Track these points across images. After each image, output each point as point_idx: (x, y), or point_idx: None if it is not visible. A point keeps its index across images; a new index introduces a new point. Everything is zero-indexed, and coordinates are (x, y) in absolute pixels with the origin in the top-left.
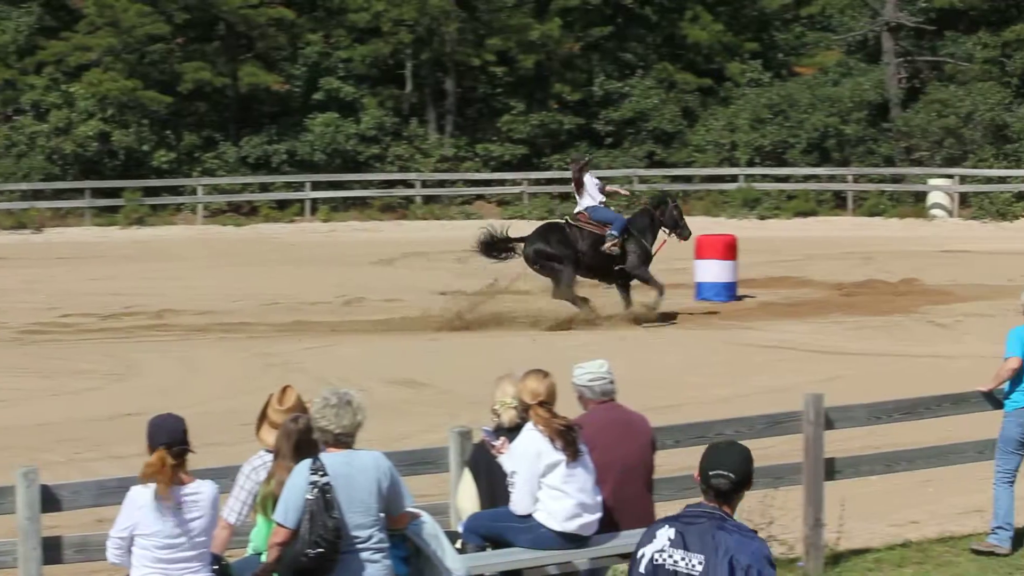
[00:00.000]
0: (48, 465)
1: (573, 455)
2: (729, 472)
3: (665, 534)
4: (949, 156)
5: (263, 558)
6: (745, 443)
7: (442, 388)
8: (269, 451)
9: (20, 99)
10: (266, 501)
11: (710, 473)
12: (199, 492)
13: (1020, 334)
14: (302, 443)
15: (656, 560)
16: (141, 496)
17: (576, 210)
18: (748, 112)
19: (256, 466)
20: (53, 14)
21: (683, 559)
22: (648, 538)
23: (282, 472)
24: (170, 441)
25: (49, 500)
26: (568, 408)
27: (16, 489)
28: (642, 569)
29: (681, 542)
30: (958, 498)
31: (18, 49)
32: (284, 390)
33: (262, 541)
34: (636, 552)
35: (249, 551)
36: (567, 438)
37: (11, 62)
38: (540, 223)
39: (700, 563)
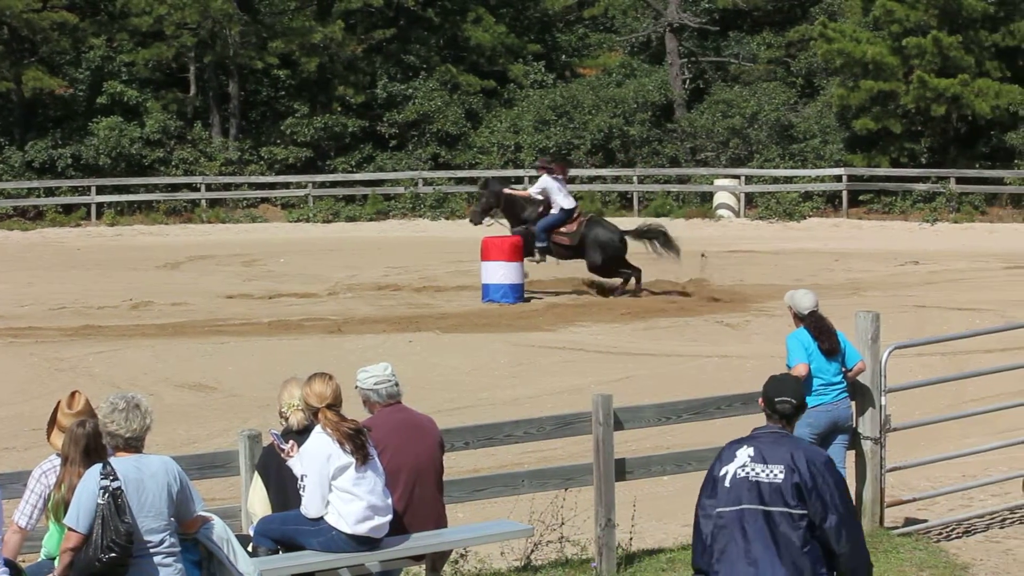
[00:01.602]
0: None
1: (363, 458)
2: (791, 398)
3: (745, 452)
4: (735, 156)
5: (56, 563)
6: (534, 444)
7: (230, 391)
8: (60, 455)
9: None
10: (57, 507)
11: (776, 400)
12: None
13: (800, 339)
14: (91, 448)
15: (739, 475)
16: None
17: (572, 207)
18: (532, 114)
19: (46, 470)
20: None
21: (764, 471)
22: (728, 458)
23: (72, 477)
24: None
25: None
26: (354, 411)
27: None
28: (727, 483)
29: (761, 457)
30: None
31: None
32: (72, 395)
33: (54, 546)
34: (716, 472)
35: (42, 556)
36: (356, 441)
37: None
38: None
39: (780, 472)
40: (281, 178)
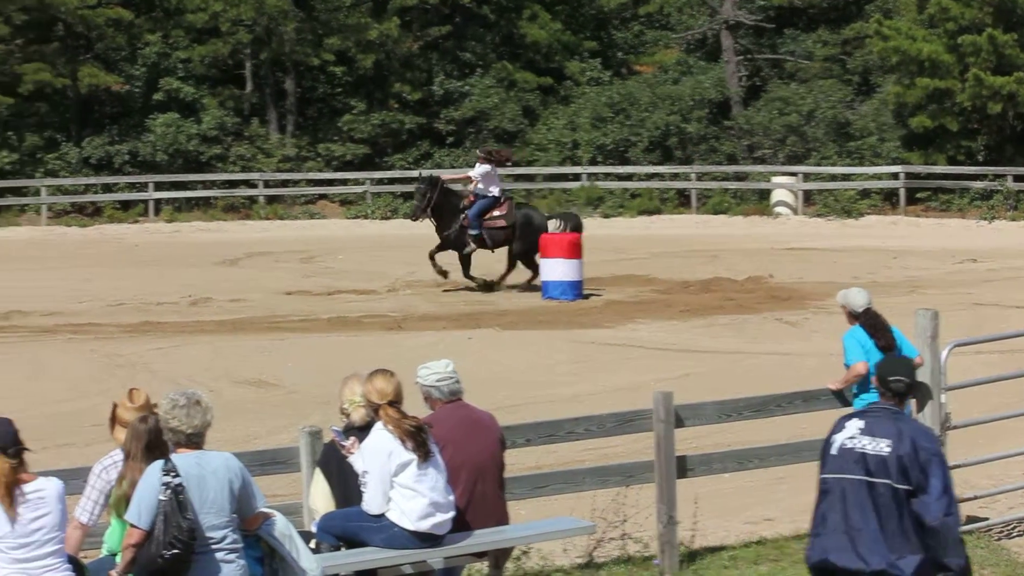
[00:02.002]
0: None
1: (424, 456)
2: (904, 377)
3: (855, 425)
4: (792, 154)
5: (118, 559)
6: (595, 441)
7: (289, 388)
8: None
9: None
10: (120, 502)
11: (889, 379)
12: (43, 489)
13: (857, 336)
14: (153, 443)
15: (846, 445)
16: None
17: (499, 195)
18: (589, 111)
19: (107, 465)
20: None
21: (871, 443)
22: (838, 428)
23: (134, 473)
24: (2, 444)
25: None
26: (414, 407)
27: None
28: (833, 451)
29: (870, 430)
30: (812, 495)
31: None
32: (131, 392)
33: (116, 542)
34: (828, 439)
35: (104, 552)
36: (417, 439)
37: None
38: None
39: (888, 446)
40: (339, 175)
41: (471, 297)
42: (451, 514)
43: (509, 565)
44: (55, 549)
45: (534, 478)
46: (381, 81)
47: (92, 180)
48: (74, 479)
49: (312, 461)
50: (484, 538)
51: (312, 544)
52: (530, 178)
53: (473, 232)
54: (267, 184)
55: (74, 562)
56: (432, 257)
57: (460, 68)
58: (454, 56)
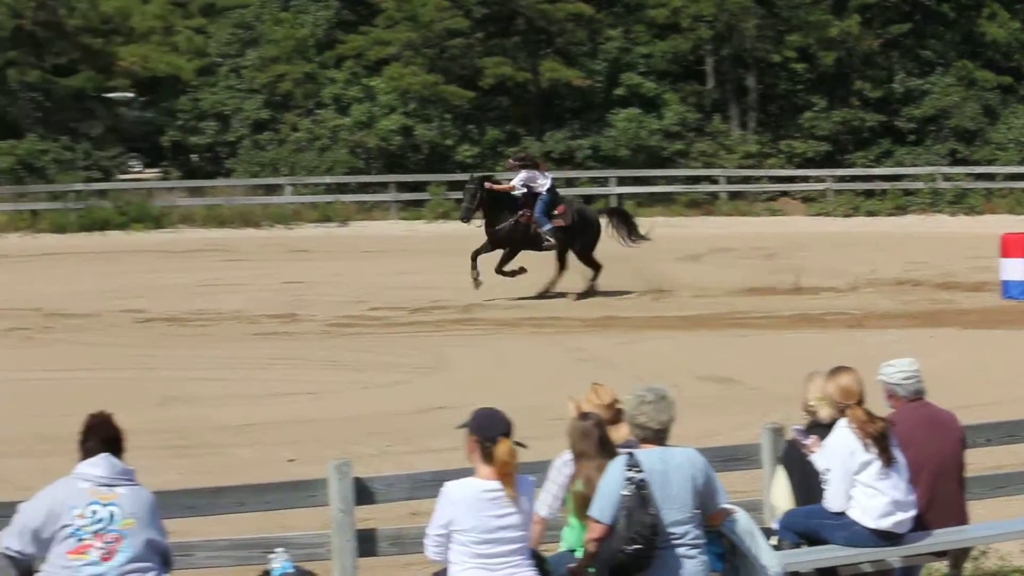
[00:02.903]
0: (360, 458)
1: (887, 461)
2: None
3: None
4: None
5: (577, 554)
6: None
7: (751, 384)
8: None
9: (321, 93)
10: (576, 502)
11: None
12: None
13: None
14: (604, 439)
15: None
16: (457, 491)
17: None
18: None
19: (567, 459)
20: (351, 8)
21: None
22: None
23: (588, 471)
24: (507, 432)
25: (363, 493)
26: (873, 405)
27: (329, 481)
28: None
29: None
30: None
31: (317, 43)
32: (595, 389)
33: (575, 540)
34: None
35: (562, 548)
36: (881, 444)
37: (311, 56)
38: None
39: None
40: (800, 172)
41: (932, 296)
42: (912, 513)
43: (967, 565)
44: (519, 547)
45: (994, 478)
46: (842, 78)
47: (554, 174)
48: (531, 473)
49: (774, 458)
50: (944, 537)
51: (773, 541)
52: (990, 177)
53: (546, 228)
54: (729, 180)
55: (535, 555)
56: (475, 258)
57: (920, 66)
58: (914, 54)
